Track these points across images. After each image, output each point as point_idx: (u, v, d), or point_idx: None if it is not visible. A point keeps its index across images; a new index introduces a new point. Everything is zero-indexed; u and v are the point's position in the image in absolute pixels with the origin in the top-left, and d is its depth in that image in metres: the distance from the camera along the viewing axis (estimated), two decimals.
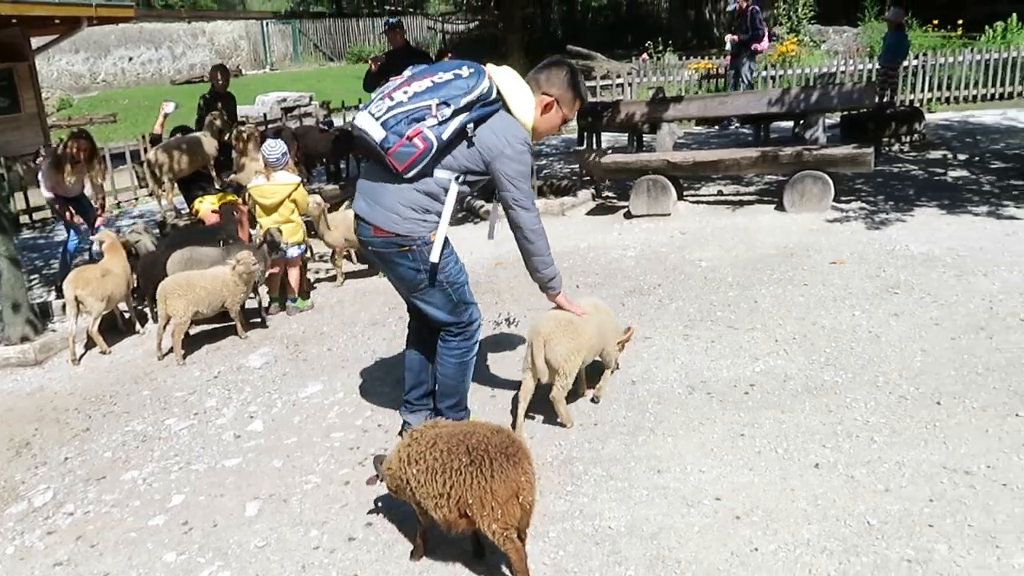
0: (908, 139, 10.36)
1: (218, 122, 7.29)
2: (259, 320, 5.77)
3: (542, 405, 3.94)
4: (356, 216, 3.39)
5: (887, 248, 6.02)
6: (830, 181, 7.17)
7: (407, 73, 3.28)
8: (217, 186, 7.41)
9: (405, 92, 3.16)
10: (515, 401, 3.88)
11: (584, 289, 5.63)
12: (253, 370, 4.94)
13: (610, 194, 8.83)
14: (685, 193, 8.36)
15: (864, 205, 7.42)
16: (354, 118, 3.35)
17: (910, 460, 3.23)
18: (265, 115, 12.48)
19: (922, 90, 13.61)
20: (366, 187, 3.36)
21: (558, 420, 3.75)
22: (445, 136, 3.12)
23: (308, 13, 31.52)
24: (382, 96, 3.21)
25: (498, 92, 3.23)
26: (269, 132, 7.76)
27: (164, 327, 5.25)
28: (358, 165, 9.32)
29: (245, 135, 6.87)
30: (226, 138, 6.94)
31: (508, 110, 3.26)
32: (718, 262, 6.06)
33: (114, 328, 5.89)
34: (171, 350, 5.22)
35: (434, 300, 3.39)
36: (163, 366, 5.20)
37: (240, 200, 6.62)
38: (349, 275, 6.67)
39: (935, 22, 17.11)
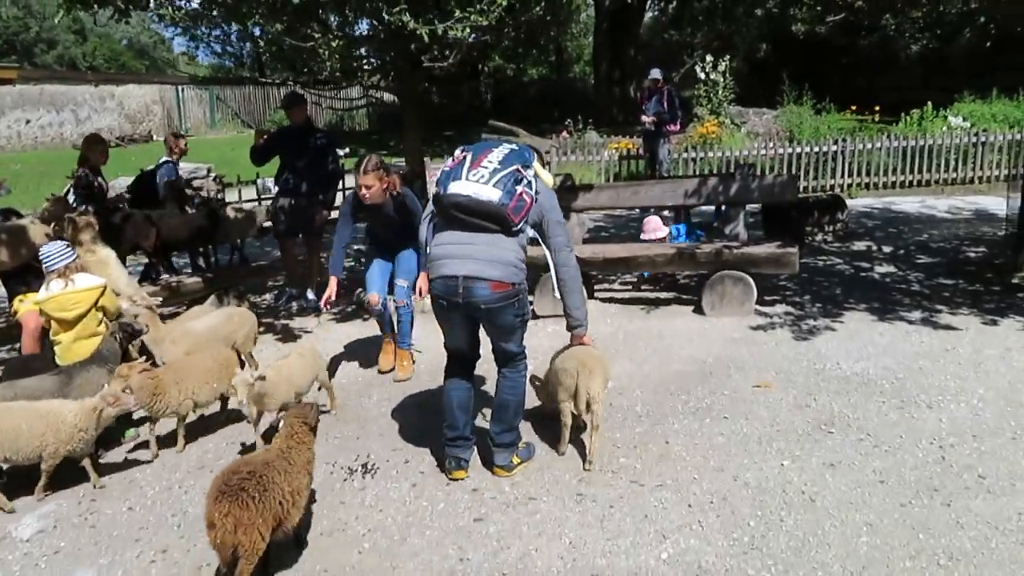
0: (831, 228, 9.94)
1: (49, 205, 6.16)
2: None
3: None
4: (467, 278, 3.57)
5: (816, 367, 5.27)
6: (752, 283, 6.46)
7: (463, 154, 3.67)
8: None
9: (491, 161, 3.59)
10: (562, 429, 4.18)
11: (479, 419, 4.65)
12: (17, 545, 3.74)
13: None
14: (597, 288, 7.57)
15: (790, 308, 6.72)
16: (444, 189, 3.60)
17: None
18: None
19: (842, 175, 13.42)
20: (472, 250, 3.59)
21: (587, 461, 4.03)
22: (534, 192, 3.66)
23: (227, 79, 30.49)
24: (470, 167, 3.58)
25: None
26: (115, 218, 6.65)
27: None
28: (236, 250, 8.24)
29: (79, 223, 5.75)
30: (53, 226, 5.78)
31: (539, 176, 3.81)
32: (628, 381, 5.21)
33: None
34: None
35: (516, 337, 3.87)
36: None
37: None
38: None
39: (853, 108, 17.27)
